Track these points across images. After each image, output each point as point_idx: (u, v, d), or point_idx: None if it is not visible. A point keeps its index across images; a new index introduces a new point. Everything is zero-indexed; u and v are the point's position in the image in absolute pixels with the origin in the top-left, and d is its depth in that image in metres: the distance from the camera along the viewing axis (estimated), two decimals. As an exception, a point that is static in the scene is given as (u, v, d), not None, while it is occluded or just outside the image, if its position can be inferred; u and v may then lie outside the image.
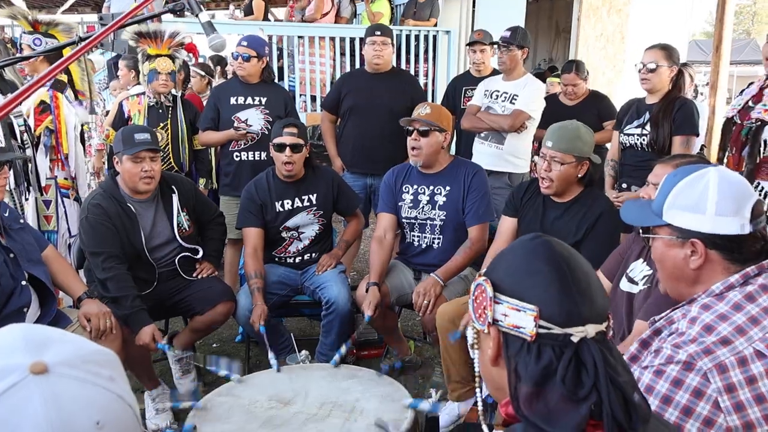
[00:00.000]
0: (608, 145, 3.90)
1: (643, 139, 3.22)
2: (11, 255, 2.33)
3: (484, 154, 3.91)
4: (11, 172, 3.04)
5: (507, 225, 2.90)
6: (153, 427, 2.74)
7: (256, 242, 3.14)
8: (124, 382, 0.72)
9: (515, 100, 3.84)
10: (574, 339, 0.88)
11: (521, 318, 0.91)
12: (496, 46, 4.01)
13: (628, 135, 3.30)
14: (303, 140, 3.14)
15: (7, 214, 2.43)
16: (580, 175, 2.67)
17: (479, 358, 1.00)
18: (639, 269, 2.13)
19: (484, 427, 1.00)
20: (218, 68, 5.82)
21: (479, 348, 1.00)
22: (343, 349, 2.48)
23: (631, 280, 2.12)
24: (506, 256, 0.99)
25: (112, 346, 2.50)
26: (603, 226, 2.60)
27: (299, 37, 6.61)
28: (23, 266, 2.37)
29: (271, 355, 2.47)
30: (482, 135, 3.96)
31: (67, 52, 3.27)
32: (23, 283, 2.35)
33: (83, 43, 1.34)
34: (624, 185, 3.32)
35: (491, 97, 3.95)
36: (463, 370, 2.69)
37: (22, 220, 2.54)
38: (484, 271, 1.00)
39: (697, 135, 3.26)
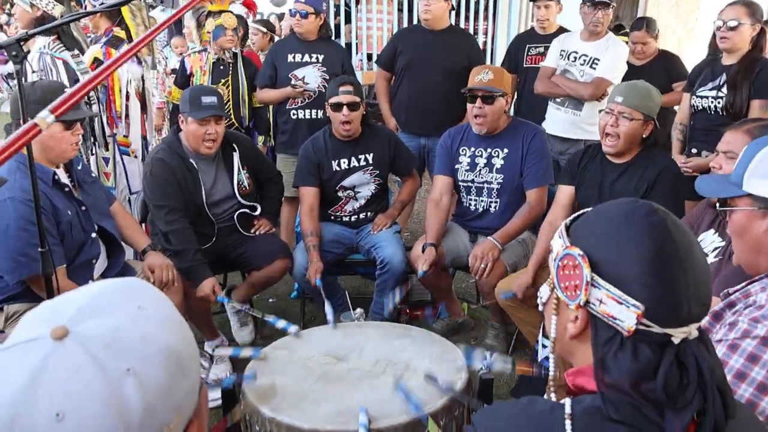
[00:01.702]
0: (677, 108, 3.71)
1: (718, 102, 3.05)
2: (83, 208, 2.42)
3: (560, 121, 3.75)
4: None
5: (564, 193, 2.81)
6: (213, 377, 2.84)
7: (312, 201, 3.16)
8: (145, 376, 0.64)
9: (596, 64, 3.64)
10: (675, 340, 0.81)
11: (621, 311, 0.81)
12: (586, 4, 3.72)
13: (701, 97, 3.13)
14: (359, 98, 3.11)
15: (80, 168, 2.51)
16: (644, 135, 2.58)
17: (556, 324, 0.93)
18: (709, 240, 2.03)
19: (552, 396, 0.96)
20: (281, 25, 5.79)
21: (557, 315, 0.92)
22: (397, 296, 2.48)
23: (701, 252, 2.03)
24: (610, 229, 0.86)
25: (174, 297, 2.59)
26: (663, 183, 2.53)
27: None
28: (94, 219, 2.45)
29: (328, 308, 2.50)
30: (558, 100, 3.79)
31: (125, 9, 3.33)
32: (93, 235, 2.44)
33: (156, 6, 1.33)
34: (693, 150, 3.16)
35: (568, 59, 3.74)
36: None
37: (93, 174, 2.63)
38: (572, 231, 0.90)
39: None
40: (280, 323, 2.37)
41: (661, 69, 4.05)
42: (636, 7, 7.95)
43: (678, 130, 3.38)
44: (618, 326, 0.82)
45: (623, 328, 0.81)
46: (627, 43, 4.50)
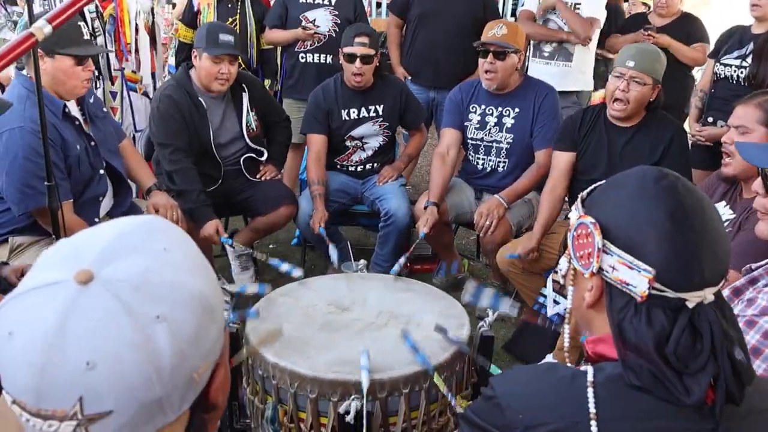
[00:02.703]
0: (695, 74, 3.64)
1: (741, 72, 2.99)
2: (92, 143, 2.38)
3: (550, 75, 3.65)
4: None
5: (563, 159, 2.70)
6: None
7: (319, 149, 3.12)
8: (175, 322, 0.62)
9: (577, 8, 3.60)
10: (690, 305, 0.80)
11: (633, 276, 0.81)
12: None
13: (725, 65, 3.06)
14: (374, 50, 3.03)
15: (92, 101, 2.46)
16: (651, 99, 2.55)
17: (573, 295, 0.93)
18: (720, 212, 2.03)
19: (568, 362, 0.96)
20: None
21: (575, 286, 0.92)
22: (402, 260, 2.49)
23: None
24: (621, 196, 0.86)
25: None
26: (677, 147, 2.54)
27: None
28: (103, 155, 2.42)
29: (332, 251, 2.50)
30: (546, 55, 3.73)
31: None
32: (101, 172, 2.41)
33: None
34: (710, 119, 3.12)
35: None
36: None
37: (105, 109, 2.58)
38: (587, 202, 0.90)
39: None
40: (284, 266, 2.38)
41: (681, 31, 3.90)
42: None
43: (698, 97, 3.32)
44: (631, 292, 0.82)
45: (636, 293, 0.81)
46: (643, 3, 4.39)
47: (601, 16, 3.63)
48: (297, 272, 2.31)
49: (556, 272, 0.96)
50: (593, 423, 0.80)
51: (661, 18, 3.99)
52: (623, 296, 0.84)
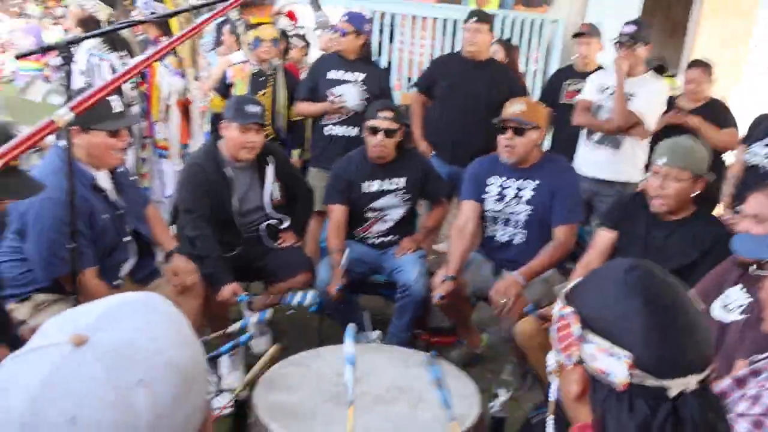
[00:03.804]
0: (727, 159, 3.61)
1: None
2: (119, 212, 2.48)
3: (596, 160, 3.66)
4: None
5: (604, 239, 2.70)
6: (226, 387, 2.84)
7: (340, 219, 3.17)
8: (155, 389, 0.65)
9: (632, 99, 3.59)
10: (671, 393, 0.80)
11: (612, 364, 0.82)
12: (617, 43, 3.66)
13: (754, 154, 3.07)
14: (397, 124, 3.12)
15: (121, 170, 2.57)
16: (693, 195, 2.49)
17: (560, 386, 0.93)
18: (735, 296, 1.98)
19: None
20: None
21: (561, 378, 0.93)
22: None
23: (726, 308, 1.99)
24: (597, 285, 0.89)
25: (194, 302, 2.63)
26: (719, 253, 2.30)
27: (402, 15, 6.55)
28: (129, 222, 2.51)
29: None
30: (595, 138, 3.71)
31: (174, 21, 3.41)
32: (126, 239, 2.50)
33: (201, 16, 1.36)
34: (738, 208, 3.09)
35: (604, 93, 3.69)
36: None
37: (133, 177, 2.69)
38: (569, 295, 0.91)
39: None
40: (297, 297, 2.43)
41: (709, 116, 3.88)
42: (682, 49, 7.86)
43: (731, 183, 3.30)
44: (611, 382, 0.82)
45: (616, 382, 0.81)
46: (676, 83, 4.43)
47: (650, 112, 3.56)
48: (309, 299, 2.35)
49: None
50: None
51: (689, 102, 4.02)
52: (605, 387, 0.84)
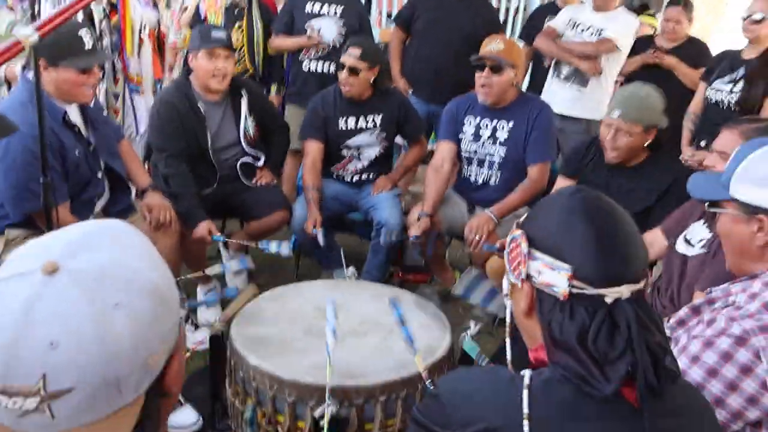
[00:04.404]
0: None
1: (732, 97, 3.02)
2: (91, 147, 2.44)
3: (562, 97, 3.69)
4: None
5: (564, 185, 2.74)
6: (203, 322, 2.90)
7: (315, 156, 3.17)
8: (132, 310, 0.67)
9: (603, 33, 3.59)
10: (608, 300, 0.87)
11: (555, 276, 0.90)
12: None
13: (716, 90, 3.09)
14: (368, 63, 3.07)
15: (92, 105, 2.52)
16: (647, 143, 2.53)
17: (513, 308, 1.01)
18: (698, 231, 2.05)
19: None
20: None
21: (513, 299, 1.00)
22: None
23: (688, 242, 2.05)
24: (543, 210, 0.97)
25: (170, 239, 2.63)
26: (676, 193, 2.43)
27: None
28: (102, 158, 2.49)
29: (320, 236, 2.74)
30: (563, 75, 3.74)
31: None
32: (99, 175, 2.47)
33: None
34: (702, 143, 3.15)
35: (575, 28, 3.69)
36: None
37: (104, 112, 2.64)
38: (521, 222, 0.99)
39: None
40: (272, 246, 2.48)
41: (687, 56, 3.86)
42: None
43: (690, 120, 3.35)
44: (555, 293, 0.90)
45: (558, 293, 0.89)
46: (651, 26, 4.40)
47: (622, 42, 3.58)
48: (285, 250, 2.39)
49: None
50: (525, 423, 0.86)
51: (667, 42, 4.00)
52: (550, 299, 0.91)
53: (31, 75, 2.26)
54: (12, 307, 0.64)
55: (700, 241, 1.98)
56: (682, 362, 1.20)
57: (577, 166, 2.74)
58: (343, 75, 3.07)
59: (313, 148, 3.17)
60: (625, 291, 0.88)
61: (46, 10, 2.84)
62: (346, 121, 3.18)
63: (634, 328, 0.86)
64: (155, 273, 0.72)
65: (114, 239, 0.72)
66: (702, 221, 2.03)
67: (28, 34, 0.91)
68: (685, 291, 1.95)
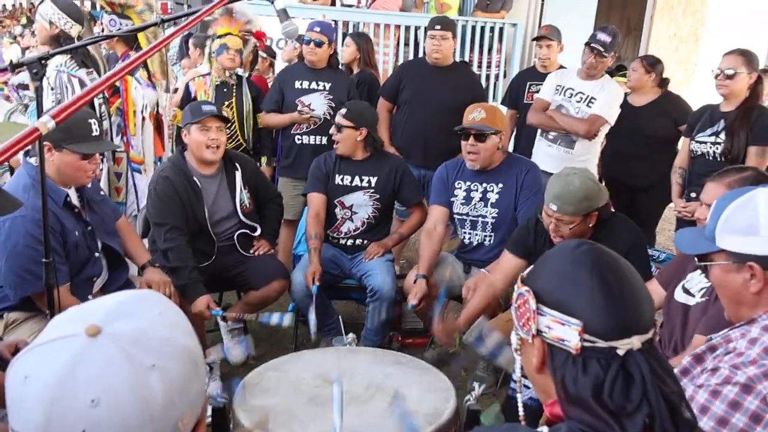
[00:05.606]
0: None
1: (716, 148, 3.13)
2: (89, 228, 2.49)
3: (551, 157, 3.75)
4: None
5: (512, 264, 2.72)
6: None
7: (319, 206, 3.25)
8: (167, 372, 0.72)
9: (592, 103, 3.68)
10: (620, 352, 0.88)
11: (565, 331, 0.91)
12: (588, 47, 3.73)
13: (700, 143, 3.21)
14: (352, 122, 3.21)
15: (89, 186, 2.58)
16: (591, 225, 2.53)
17: (524, 363, 1.01)
18: (696, 281, 2.08)
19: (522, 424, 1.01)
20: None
21: (523, 354, 1.01)
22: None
23: (687, 292, 2.08)
24: (548, 264, 0.98)
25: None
26: (637, 260, 2.35)
27: (364, 23, 6.62)
28: (100, 238, 2.52)
29: (311, 318, 2.73)
30: (550, 137, 3.82)
31: (142, 36, 3.42)
32: (96, 255, 2.51)
33: (169, 28, 1.40)
34: (693, 195, 3.23)
35: (564, 95, 3.79)
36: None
37: (102, 192, 2.69)
38: (526, 277, 1.00)
39: None
40: (274, 318, 2.47)
41: (662, 110, 3.95)
42: (638, 48, 8.10)
43: (678, 174, 3.43)
44: (566, 347, 0.90)
45: (571, 347, 0.90)
46: (626, 83, 4.56)
47: (611, 115, 3.67)
48: (287, 321, 2.39)
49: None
50: None
51: (637, 95, 4.06)
52: (562, 353, 0.92)
53: (33, 160, 2.33)
54: (57, 366, 0.68)
55: (701, 290, 2.01)
56: (691, 413, 1.20)
57: (526, 245, 2.72)
58: (331, 131, 3.26)
59: (317, 199, 3.26)
60: (636, 342, 0.89)
61: (48, 101, 2.94)
62: (342, 179, 3.28)
63: (648, 378, 0.86)
64: (187, 339, 0.77)
65: (150, 307, 0.78)
66: (699, 271, 2.07)
67: (45, 122, 0.97)
68: (688, 340, 1.96)
